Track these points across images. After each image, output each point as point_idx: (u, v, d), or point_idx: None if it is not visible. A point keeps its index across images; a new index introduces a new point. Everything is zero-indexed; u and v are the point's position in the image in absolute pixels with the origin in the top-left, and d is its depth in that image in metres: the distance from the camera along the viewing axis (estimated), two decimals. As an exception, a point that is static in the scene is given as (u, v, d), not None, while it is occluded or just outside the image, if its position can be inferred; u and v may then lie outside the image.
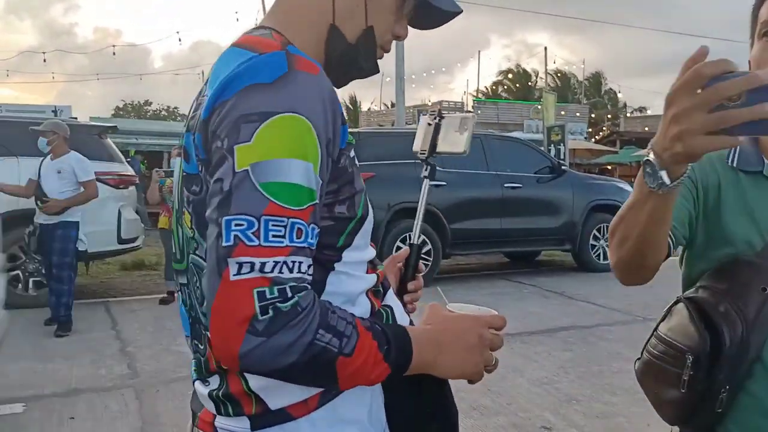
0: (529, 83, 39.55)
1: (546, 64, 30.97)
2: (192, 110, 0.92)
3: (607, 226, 7.80)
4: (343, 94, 50.39)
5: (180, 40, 43.45)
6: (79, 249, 5.77)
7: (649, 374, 1.26)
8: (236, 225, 0.75)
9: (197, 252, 0.87)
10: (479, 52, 79.59)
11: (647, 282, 1.14)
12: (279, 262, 0.76)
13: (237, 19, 28.80)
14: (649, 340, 1.29)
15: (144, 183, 11.10)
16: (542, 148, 11.83)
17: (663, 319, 1.28)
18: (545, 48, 34.65)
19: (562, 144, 14.28)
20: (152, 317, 6.29)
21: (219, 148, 0.78)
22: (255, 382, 0.86)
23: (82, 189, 5.65)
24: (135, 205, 7.80)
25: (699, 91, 0.79)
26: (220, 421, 0.90)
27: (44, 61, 23.45)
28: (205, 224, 0.81)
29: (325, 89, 0.83)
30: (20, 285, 6.68)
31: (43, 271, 5.95)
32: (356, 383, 0.83)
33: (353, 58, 0.97)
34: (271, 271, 0.75)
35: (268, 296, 0.74)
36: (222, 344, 0.76)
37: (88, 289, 7.80)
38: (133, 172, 7.67)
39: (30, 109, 14.95)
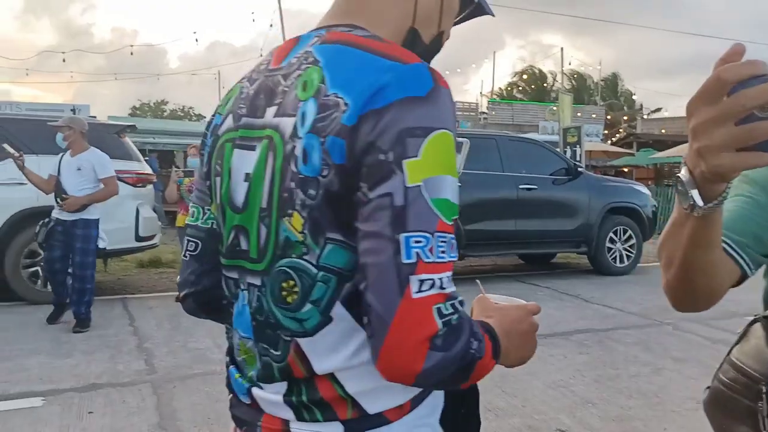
0: (545, 84, 39.37)
1: (562, 65, 30.82)
2: (285, 109, 0.87)
3: (624, 229, 7.79)
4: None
5: (197, 40, 43.80)
6: (99, 247, 5.79)
7: (716, 404, 1.13)
8: (415, 242, 0.76)
9: (305, 257, 0.84)
10: (494, 53, 79.34)
11: (704, 310, 1.00)
12: (448, 277, 0.78)
13: (253, 20, 28.93)
14: (721, 365, 1.16)
15: (161, 181, 11.21)
16: (558, 150, 11.80)
17: (737, 342, 1.13)
18: (561, 49, 34.49)
19: (578, 145, 14.22)
20: (169, 314, 6.34)
21: (383, 160, 0.77)
22: (353, 387, 0.85)
23: (101, 186, 5.67)
24: (152, 203, 7.88)
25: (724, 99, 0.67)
26: (302, 427, 0.88)
27: (63, 60, 23.73)
28: (322, 231, 0.82)
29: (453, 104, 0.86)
30: (39, 281, 6.76)
31: (42, 264, 5.92)
32: (473, 382, 0.84)
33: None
34: (445, 287, 0.77)
35: (444, 312, 0.76)
36: (401, 361, 0.76)
37: (106, 286, 7.88)
38: (150, 171, 7.74)
39: (49, 108, 15.11)
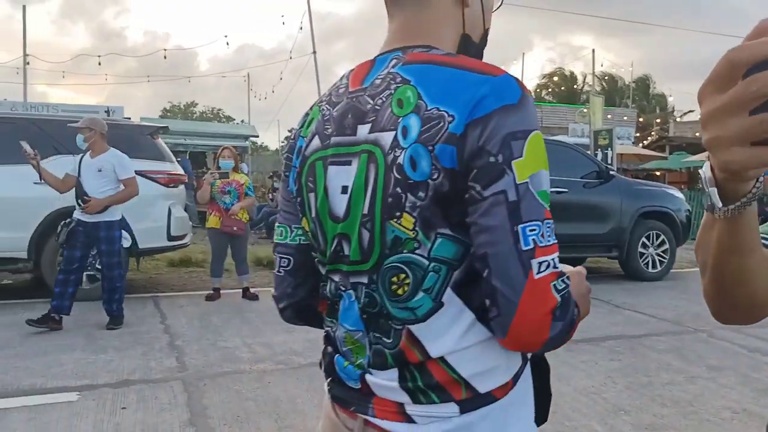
0: (575, 86, 38.98)
1: (593, 67, 30.45)
2: (380, 125, 0.97)
3: (657, 234, 7.65)
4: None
5: (228, 43, 44.41)
6: (124, 246, 5.80)
7: None
8: (530, 230, 0.88)
9: (417, 251, 0.95)
10: (523, 54, 78.82)
11: (749, 323, 0.92)
12: (557, 256, 0.91)
13: (283, 23, 29.10)
14: None
15: (194, 182, 11.39)
16: (589, 153, 11.66)
17: None
18: (593, 50, 34.13)
19: (609, 148, 14.05)
20: (199, 313, 6.41)
21: (494, 162, 0.89)
22: (465, 370, 0.96)
23: (122, 187, 5.64)
24: (184, 203, 7.98)
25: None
26: (418, 409, 0.98)
27: (99, 64, 24.07)
28: (433, 227, 0.93)
29: None
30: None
31: (61, 266, 5.74)
32: (565, 342, 0.95)
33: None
34: (557, 266, 0.91)
35: (559, 287, 0.89)
36: (530, 333, 0.88)
37: (138, 284, 8.00)
38: (182, 172, 7.84)
39: (84, 110, 15.37)
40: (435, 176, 0.91)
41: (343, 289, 1.05)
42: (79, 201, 5.57)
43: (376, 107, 0.99)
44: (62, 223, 5.70)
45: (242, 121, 32.59)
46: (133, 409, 3.83)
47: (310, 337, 5.52)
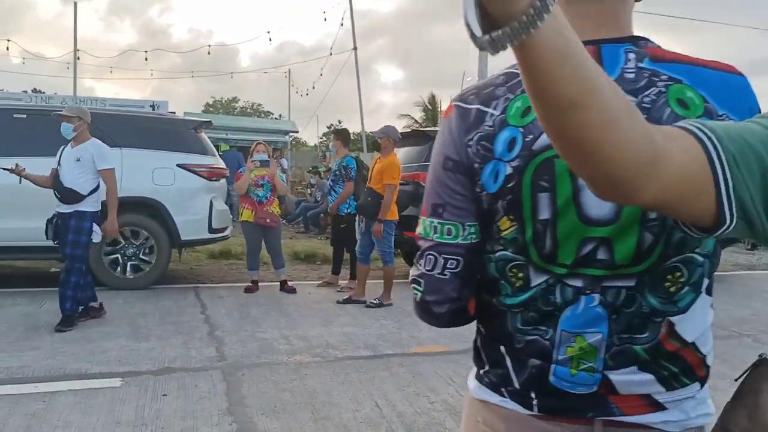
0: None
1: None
2: (666, 122, 0.98)
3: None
4: (423, 92, 50.28)
5: (270, 39, 44.83)
6: (93, 241, 5.41)
7: None
8: None
9: (697, 250, 0.98)
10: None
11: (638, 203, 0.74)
12: None
13: (325, 19, 29.32)
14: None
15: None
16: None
17: (735, 397, 1.02)
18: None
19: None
20: (238, 304, 6.52)
21: None
22: (705, 349, 1.04)
23: (99, 178, 5.40)
24: (224, 196, 8.12)
25: None
26: (669, 395, 1.03)
27: (146, 59, 24.51)
28: None
29: None
30: (119, 268, 7.09)
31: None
32: None
33: None
34: None
35: None
36: None
37: (180, 275, 8.17)
38: (224, 165, 7.97)
39: (131, 104, 15.74)
40: None
41: (588, 292, 1.00)
42: (56, 192, 5.32)
43: (644, 105, 0.95)
44: (47, 219, 5.44)
45: (280, 116, 32.87)
46: (173, 396, 3.93)
47: (346, 331, 5.57)
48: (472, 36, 0.59)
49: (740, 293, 7.80)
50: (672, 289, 0.98)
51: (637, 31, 1.04)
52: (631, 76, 0.97)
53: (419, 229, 1.10)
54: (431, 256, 1.07)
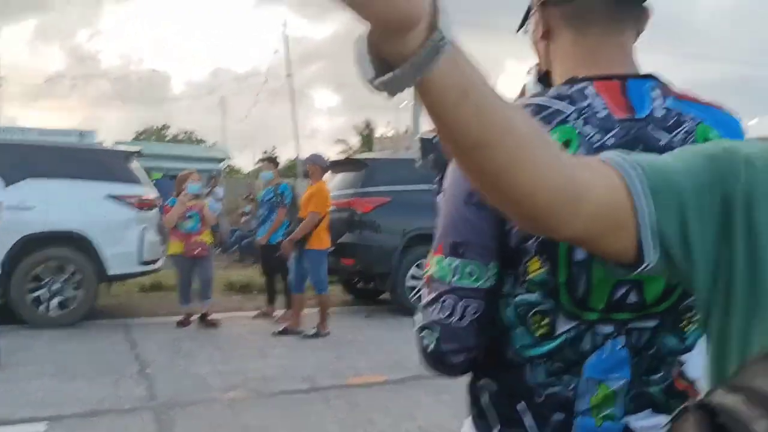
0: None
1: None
2: None
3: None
4: (359, 118, 50.80)
5: (202, 66, 44.43)
6: None
7: None
8: None
9: None
10: (498, 77, 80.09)
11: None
12: None
13: (259, 47, 29.08)
14: None
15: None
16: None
17: None
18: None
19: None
20: (170, 339, 6.34)
21: None
22: (702, 385, 0.99)
23: None
24: (156, 227, 7.92)
25: None
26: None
27: (74, 86, 23.79)
28: None
29: None
30: (43, 305, 6.79)
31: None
32: None
33: None
34: None
35: None
36: None
37: (109, 310, 7.89)
38: (156, 195, 7.80)
39: (57, 133, 15.17)
40: None
41: (614, 336, 0.97)
42: None
43: (672, 144, 0.94)
44: None
45: (214, 144, 32.44)
46: (102, 439, 3.79)
47: (282, 363, 5.51)
48: (365, 79, 0.58)
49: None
50: (686, 328, 0.99)
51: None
52: (661, 114, 0.97)
53: (433, 271, 1.00)
54: (449, 302, 0.98)
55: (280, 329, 6.65)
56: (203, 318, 6.98)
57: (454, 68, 0.59)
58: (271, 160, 7.98)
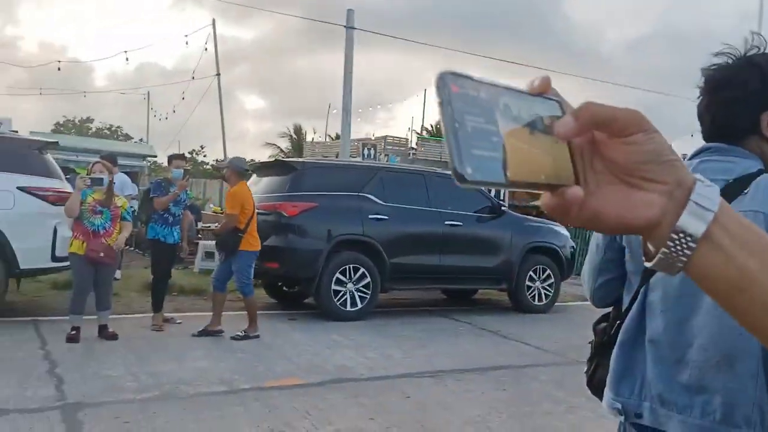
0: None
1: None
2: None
3: (543, 268, 8.01)
4: (288, 123, 50.44)
5: (127, 59, 42.60)
6: None
7: None
8: None
9: None
10: (425, 90, 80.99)
11: None
12: None
13: (186, 43, 28.48)
14: None
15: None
16: (482, 189, 12.11)
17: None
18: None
19: (503, 186, 14.67)
20: (83, 338, 6.08)
21: None
22: None
23: None
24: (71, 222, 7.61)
25: None
26: None
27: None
28: None
29: None
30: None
31: None
32: None
33: None
34: None
35: None
36: None
37: (18, 307, 7.51)
38: (71, 189, 7.48)
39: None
40: None
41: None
42: None
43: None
44: None
45: (141, 140, 31.44)
46: (3, 441, 3.61)
47: (199, 366, 5.40)
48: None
49: (578, 322, 8.46)
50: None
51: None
52: None
53: None
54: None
55: (200, 330, 6.52)
56: (101, 330, 6.21)
57: (718, 259, 0.55)
58: (182, 157, 7.69)
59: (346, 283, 7.75)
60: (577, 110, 0.52)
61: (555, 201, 0.52)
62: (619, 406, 1.49)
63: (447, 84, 0.49)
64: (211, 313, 6.71)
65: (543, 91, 0.54)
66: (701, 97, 1.46)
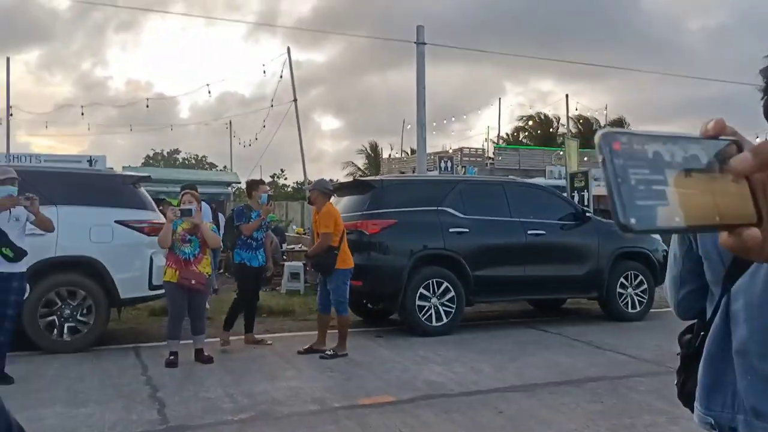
0: (551, 129, 39.66)
1: (567, 110, 31.06)
2: None
3: (635, 274, 7.75)
4: (364, 140, 51.25)
5: (209, 92, 44.35)
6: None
7: None
8: None
9: None
10: (500, 99, 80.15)
11: None
12: None
13: (264, 72, 29.48)
14: None
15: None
16: (566, 195, 11.86)
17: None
18: (566, 95, 34.81)
19: (585, 190, 14.29)
20: (181, 362, 6.34)
21: None
22: None
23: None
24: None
25: None
26: None
27: (82, 114, 23.97)
28: None
29: None
30: (56, 330, 6.82)
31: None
32: None
33: None
34: None
35: None
36: None
37: (119, 335, 7.93)
38: (164, 220, 7.84)
39: (67, 159, 15.40)
40: None
41: None
42: (6, 250, 5.35)
43: None
44: None
45: (224, 168, 32.67)
46: (114, 463, 3.80)
47: (292, 385, 5.51)
48: None
49: (675, 329, 8.08)
50: None
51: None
52: None
53: None
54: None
55: (305, 348, 6.72)
56: (198, 354, 6.40)
57: None
58: (261, 183, 7.79)
59: (430, 298, 7.73)
60: (756, 147, 0.53)
61: (732, 241, 0.53)
62: (712, 420, 1.46)
63: (609, 142, 0.52)
64: (299, 333, 6.86)
65: (718, 134, 0.55)
66: (764, 97, 1.42)
